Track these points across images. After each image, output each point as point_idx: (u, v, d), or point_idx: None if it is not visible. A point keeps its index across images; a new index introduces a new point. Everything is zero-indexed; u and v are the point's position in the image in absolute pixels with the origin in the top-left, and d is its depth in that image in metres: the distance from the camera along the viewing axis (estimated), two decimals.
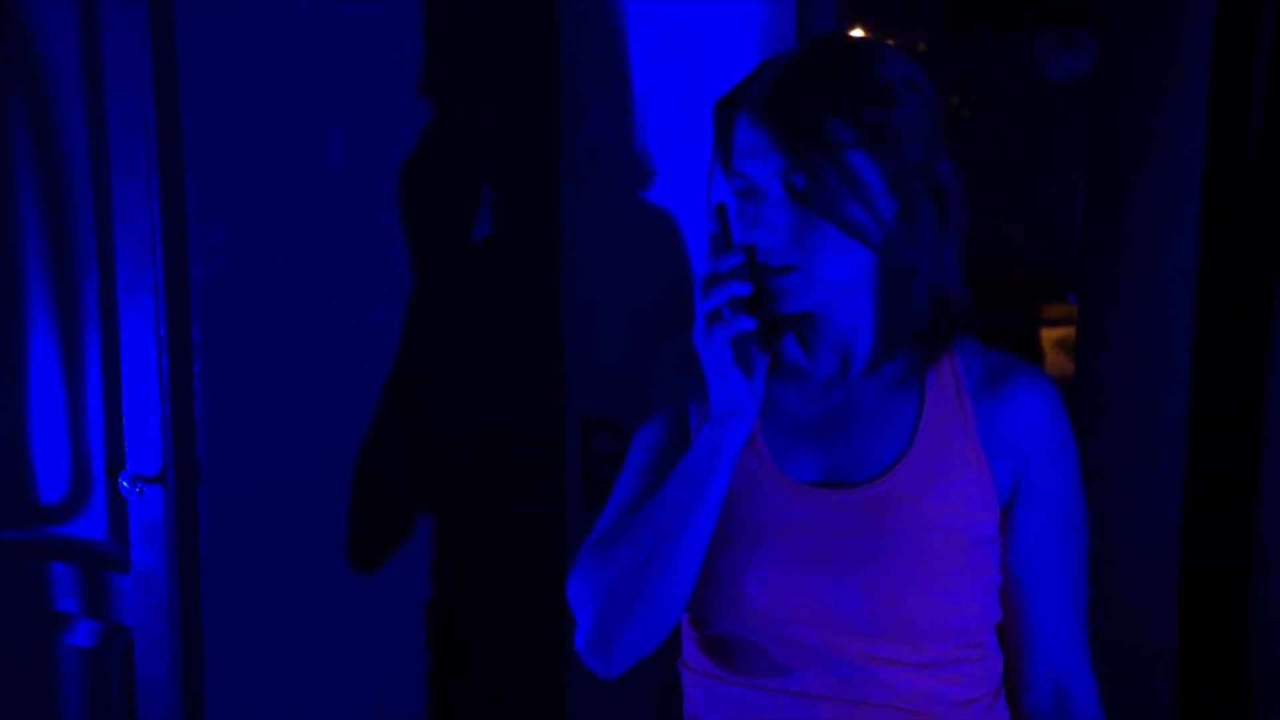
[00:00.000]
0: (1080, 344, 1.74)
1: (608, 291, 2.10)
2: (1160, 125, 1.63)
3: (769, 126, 1.15)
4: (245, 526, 1.87)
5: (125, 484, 1.83)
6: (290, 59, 1.87)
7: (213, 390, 1.82)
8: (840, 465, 1.24)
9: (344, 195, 1.93)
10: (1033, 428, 1.25)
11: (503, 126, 2.11)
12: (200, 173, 1.79)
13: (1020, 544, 1.26)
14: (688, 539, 1.19)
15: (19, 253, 2.07)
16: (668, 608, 1.21)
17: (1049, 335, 3.62)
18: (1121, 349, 1.69)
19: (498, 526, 2.17)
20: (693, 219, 2.01)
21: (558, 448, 2.18)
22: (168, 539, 1.81)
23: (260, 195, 1.85)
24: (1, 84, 2.05)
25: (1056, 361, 3.44)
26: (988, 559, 1.24)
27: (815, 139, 1.14)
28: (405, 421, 2.03)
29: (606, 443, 2.11)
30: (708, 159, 1.27)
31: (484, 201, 2.10)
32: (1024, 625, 1.28)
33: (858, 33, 3.36)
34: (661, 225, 2.03)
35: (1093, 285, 1.71)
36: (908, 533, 1.20)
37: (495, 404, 2.14)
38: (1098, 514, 1.34)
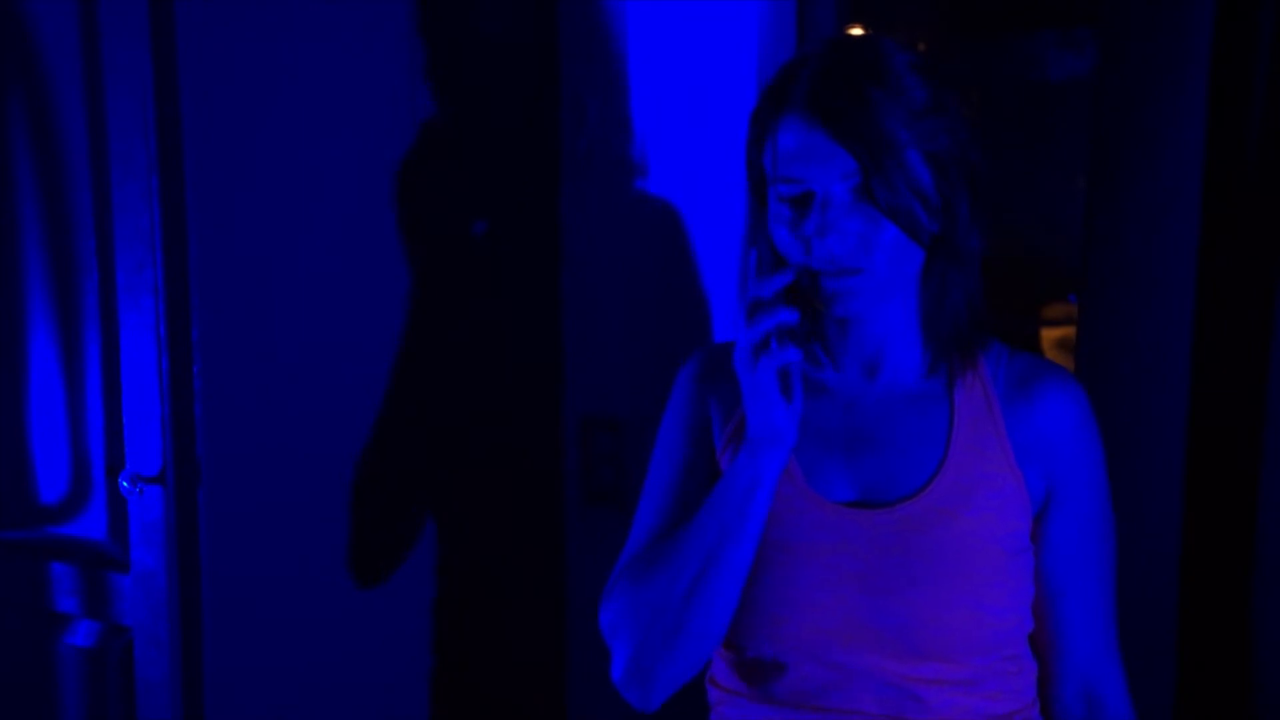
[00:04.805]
0: (1080, 344, 1.74)
1: (608, 291, 2.10)
2: (1160, 125, 1.63)
3: (832, 128, 1.12)
4: (245, 526, 1.87)
5: (125, 484, 1.82)
6: (291, 59, 1.87)
7: (213, 390, 1.82)
8: (875, 482, 1.22)
9: (344, 195, 1.93)
10: (1064, 431, 1.23)
11: (503, 126, 2.11)
12: (200, 173, 1.79)
13: (1052, 550, 1.24)
14: (729, 570, 1.16)
15: (19, 253, 2.07)
16: (709, 638, 1.19)
17: (1049, 335, 3.62)
18: (1121, 349, 1.69)
19: (498, 526, 2.17)
20: (692, 218, 2.01)
21: (558, 448, 2.18)
22: (168, 539, 1.81)
23: (260, 195, 1.85)
24: (2, 84, 2.05)
25: (1056, 361, 3.43)
26: (1023, 570, 1.22)
27: (882, 140, 1.12)
28: (405, 421, 2.03)
29: (606, 443, 2.10)
30: (711, 159, 1.26)
31: (484, 201, 2.10)
32: (1055, 632, 1.27)
33: (857, 33, 3.36)
34: (661, 225, 2.03)
35: (1093, 285, 1.71)
36: (947, 549, 1.18)
37: (495, 404, 2.13)
38: None
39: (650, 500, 1.29)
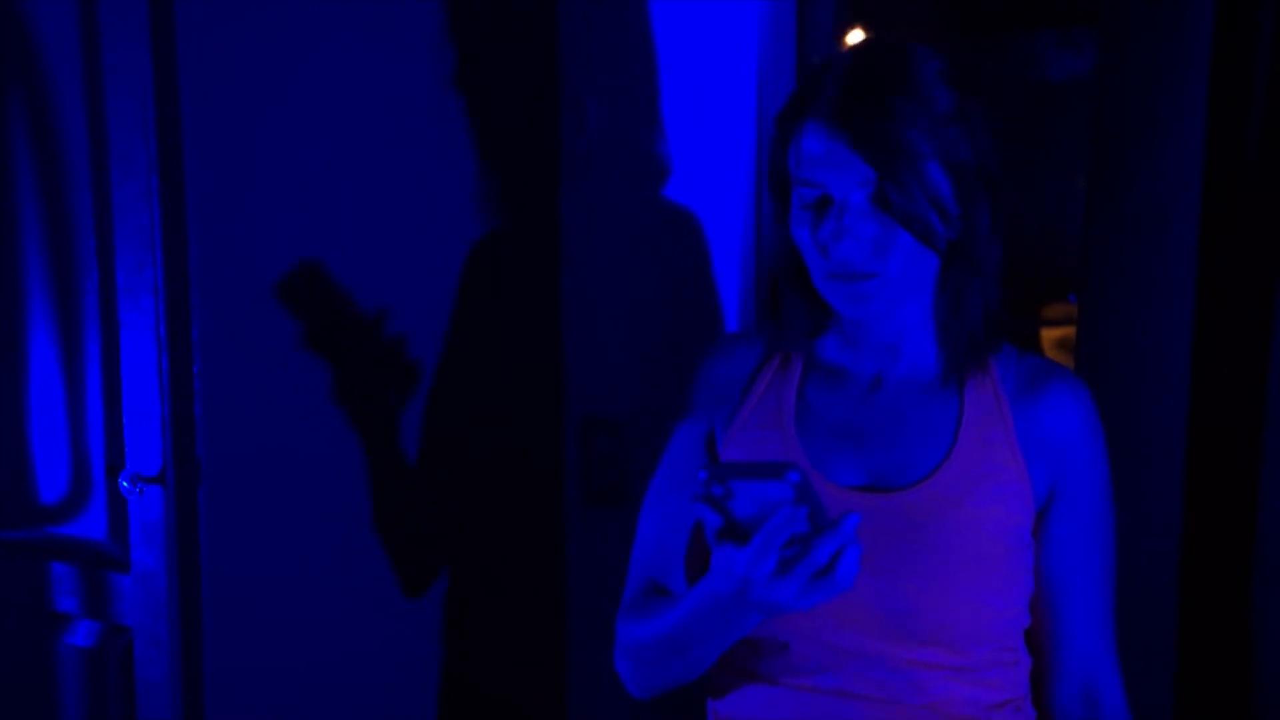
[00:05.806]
0: (1080, 344, 1.74)
1: (608, 291, 2.10)
2: (1160, 125, 1.63)
3: (851, 136, 1.15)
4: (245, 526, 1.87)
5: (125, 484, 1.82)
6: (291, 60, 1.86)
7: (213, 390, 1.82)
8: (882, 469, 1.25)
9: (343, 195, 1.93)
10: (1070, 431, 1.26)
11: (503, 126, 2.11)
12: (200, 173, 1.79)
13: (1054, 548, 1.26)
14: (712, 657, 1.22)
15: (19, 253, 2.07)
16: (699, 673, 1.26)
17: (1049, 335, 3.62)
18: (1121, 349, 1.69)
19: (498, 526, 2.17)
20: (692, 218, 2.01)
21: (558, 448, 2.18)
22: (168, 539, 1.81)
23: (260, 195, 1.85)
24: (2, 84, 2.05)
25: (1056, 361, 3.43)
26: (1023, 565, 1.24)
27: (901, 150, 1.14)
28: (405, 421, 2.03)
29: (606, 443, 2.10)
30: (711, 159, 1.27)
31: (484, 201, 2.10)
32: (1055, 629, 1.28)
33: (858, 33, 3.36)
34: (661, 225, 2.03)
35: (1093, 285, 1.71)
36: (950, 537, 1.20)
37: (495, 404, 2.13)
38: None
39: (653, 510, 1.34)
